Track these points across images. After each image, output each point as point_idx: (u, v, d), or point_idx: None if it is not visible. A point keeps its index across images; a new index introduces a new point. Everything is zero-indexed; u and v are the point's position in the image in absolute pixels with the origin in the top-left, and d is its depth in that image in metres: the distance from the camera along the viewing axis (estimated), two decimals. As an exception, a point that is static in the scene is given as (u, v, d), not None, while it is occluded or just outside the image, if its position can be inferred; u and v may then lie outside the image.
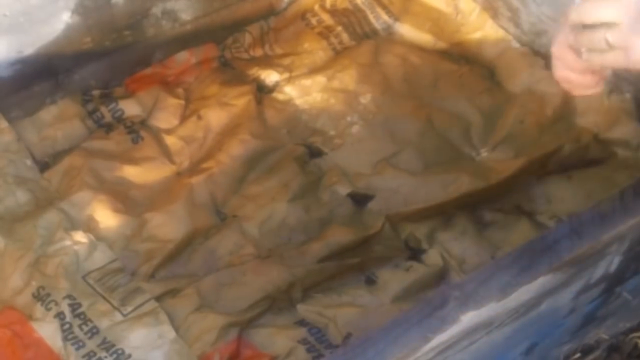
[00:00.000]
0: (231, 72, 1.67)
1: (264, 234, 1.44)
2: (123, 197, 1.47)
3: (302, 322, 1.33)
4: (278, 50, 1.71)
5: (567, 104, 1.53)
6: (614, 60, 0.94)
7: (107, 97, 1.61)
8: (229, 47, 1.70)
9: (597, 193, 1.42)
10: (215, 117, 1.57)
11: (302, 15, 1.74)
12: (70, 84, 1.59)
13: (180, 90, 1.63)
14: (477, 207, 1.45)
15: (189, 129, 1.56)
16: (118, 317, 1.31)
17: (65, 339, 1.29)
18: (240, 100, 1.59)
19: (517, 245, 1.12)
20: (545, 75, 1.55)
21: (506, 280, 1.07)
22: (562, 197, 1.46)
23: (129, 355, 1.27)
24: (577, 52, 0.98)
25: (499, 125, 1.54)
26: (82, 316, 1.31)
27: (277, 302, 1.35)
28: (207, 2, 1.66)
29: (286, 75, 1.65)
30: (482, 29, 1.69)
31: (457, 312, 1.06)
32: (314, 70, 1.66)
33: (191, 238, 1.43)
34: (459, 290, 1.08)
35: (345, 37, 1.72)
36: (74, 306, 1.32)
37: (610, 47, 0.93)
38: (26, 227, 1.40)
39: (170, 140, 1.55)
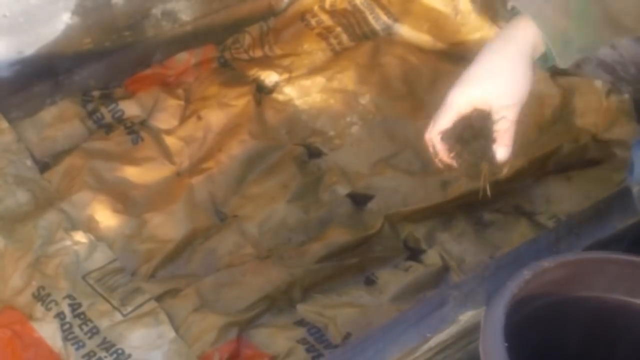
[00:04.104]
0: (231, 72, 1.67)
1: (263, 234, 1.44)
2: (123, 197, 1.47)
3: (301, 322, 1.33)
4: (277, 51, 1.71)
5: (566, 105, 1.53)
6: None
7: (107, 98, 1.62)
8: (228, 48, 1.71)
9: (595, 193, 1.42)
10: (215, 118, 1.57)
11: (302, 16, 1.74)
12: (70, 85, 1.60)
13: (180, 91, 1.63)
14: (476, 207, 1.45)
15: (189, 129, 1.57)
16: (118, 317, 1.31)
17: (65, 338, 1.29)
18: (239, 100, 1.59)
19: (516, 246, 1.12)
20: (544, 76, 1.55)
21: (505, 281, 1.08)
22: (561, 197, 1.46)
23: (129, 355, 1.27)
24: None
25: (497, 125, 1.54)
26: (82, 316, 1.31)
27: (277, 302, 1.35)
28: (207, 3, 1.66)
29: (286, 75, 1.65)
30: (481, 29, 1.69)
31: (456, 312, 1.06)
32: (314, 71, 1.66)
33: (191, 238, 1.43)
34: (458, 290, 1.09)
35: (344, 37, 1.72)
36: (74, 306, 1.32)
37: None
38: (26, 227, 1.40)
39: (170, 141, 1.55)
